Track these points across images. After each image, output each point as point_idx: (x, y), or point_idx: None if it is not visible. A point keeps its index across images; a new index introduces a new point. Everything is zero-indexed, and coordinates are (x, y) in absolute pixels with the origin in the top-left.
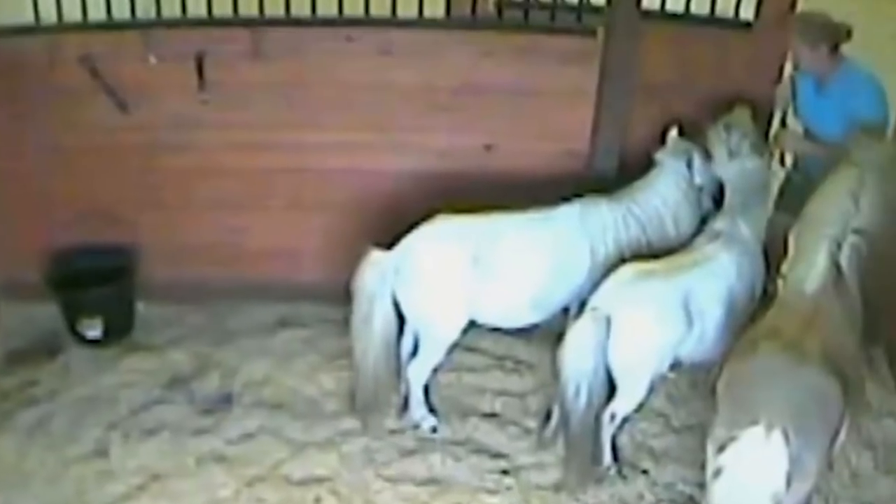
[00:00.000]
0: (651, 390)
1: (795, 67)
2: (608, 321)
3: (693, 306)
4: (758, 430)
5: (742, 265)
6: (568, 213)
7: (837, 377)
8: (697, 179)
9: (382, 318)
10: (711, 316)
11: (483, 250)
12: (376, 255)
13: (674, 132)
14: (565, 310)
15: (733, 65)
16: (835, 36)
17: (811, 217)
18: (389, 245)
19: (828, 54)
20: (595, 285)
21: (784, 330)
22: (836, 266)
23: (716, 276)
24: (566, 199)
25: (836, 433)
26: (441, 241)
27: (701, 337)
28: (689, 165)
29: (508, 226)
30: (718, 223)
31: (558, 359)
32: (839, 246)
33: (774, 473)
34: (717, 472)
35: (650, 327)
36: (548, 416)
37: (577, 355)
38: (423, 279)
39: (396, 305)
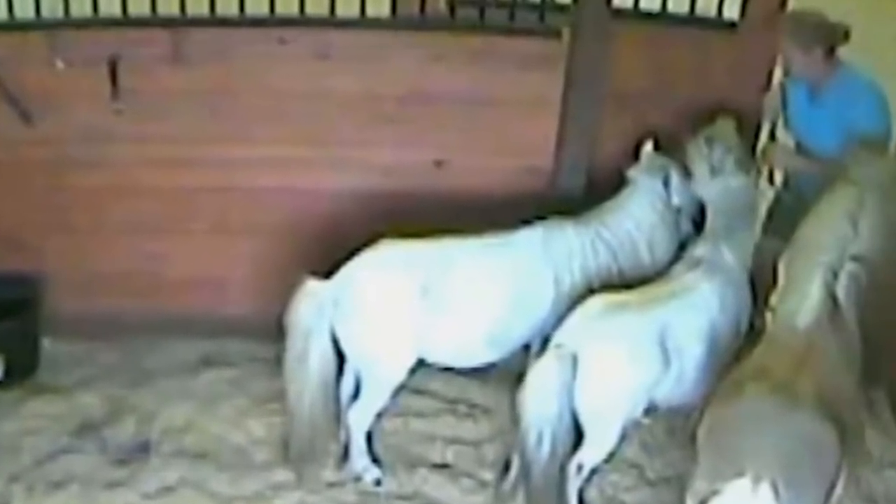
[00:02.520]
0: (623, 438)
1: (786, 73)
2: (574, 360)
3: (670, 343)
4: (744, 483)
5: (726, 296)
6: (529, 238)
7: (833, 423)
8: (675, 200)
9: (320, 357)
10: (691, 354)
11: (433, 280)
12: (312, 286)
13: (648, 146)
14: (526, 347)
15: (716, 70)
16: (830, 38)
17: (804, 242)
18: (327, 274)
19: (823, 58)
20: (560, 319)
21: (773, 370)
22: (832, 297)
23: (696, 308)
24: (527, 221)
25: (833, 486)
26: (386, 269)
27: (679, 378)
28: (666, 184)
29: (462, 252)
30: (699, 249)
31: (518, 402)
32: (835, 275)
33: None
34: None
35: (622, 367)
36: (506, 467)
37: (540, 398)
38: (365, 312)
39: (335, 342)
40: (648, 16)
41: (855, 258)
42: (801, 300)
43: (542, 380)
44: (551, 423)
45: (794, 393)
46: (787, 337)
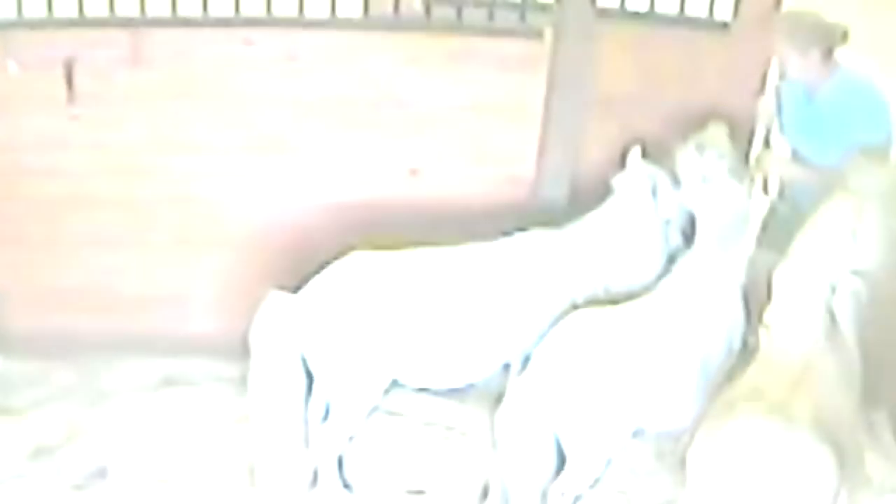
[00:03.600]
0: (608, 462)
1: (782, 76)
2: (557, 380)
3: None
4: None
5: (716, 313)
6: (508, 250)
7: (831, 446)
8: (664, 210)
9: (287, 377)
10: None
11: (404, 295)
12: (279, 300)
13: (635, 154)
14: (506, 366)
15: (706, 73)
16: (828, 39)
17: (801, 255)
18: (296, 289)
19: (820, 60)
20: (541, 337)
21: (768, 390)
22: (830, 314)
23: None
24: (507, 233)
25: None
26: (354, 284)
27: (670, 397)
28: (654, 193)
29: (438, 266)
30: (688, 262)
31: (498, 425)
32: (834, 290)
33: None
34: None
35: (607, 388)
36: (485, 493)
37: (521, 421)
38: (332, 330)
39: (304, 361)
40: (635, 15)
41: (855, 272)
42: (798, 317)
43: (524, 401)
44: (532, 447)
45: (789, 415)
46: (782, 355)
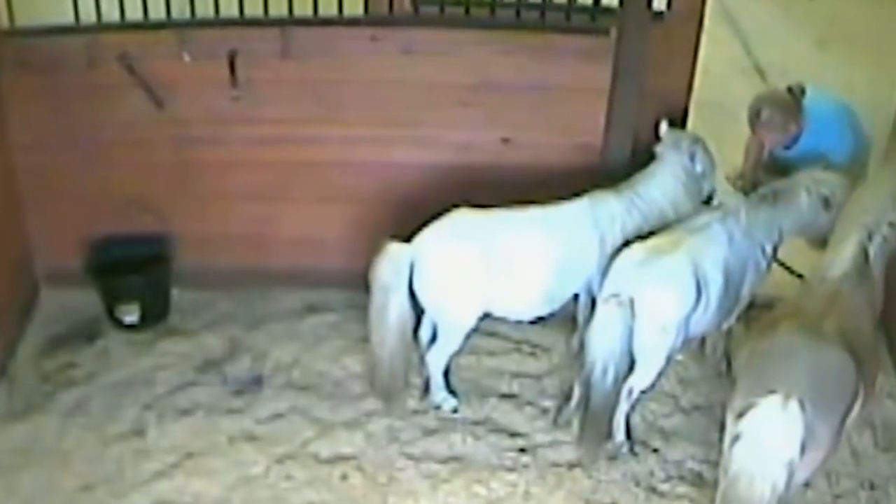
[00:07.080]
0: (661, 374)
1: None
2: (632, 304)
3: (700, 273)
4: (776, 398)
5: (734, 237)
6: (578, 207)
7: (852, 356)
8: (698, 168)
9: (397, 310)
10: (714, 282)
11: (496, 245)
12: (393, 249)
13: (664, 125)
14: (575, 296)
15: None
16: (797, 108)
17: (851, 209)
18: (411, 234)
19: (795, 126)
20: (603, 273)
21: (804, 311)
22: (864, 253)
23: (712, 242)
24: (576, 194)
25: (849, 408)
26: (455, 236)
27: (706, 306)
28: (692, 159)
29: (521, 220)
30: (717, 201)
31: (586, 342)
32: (870, 235)
33: (790, 439)
34: (736, 438)
35: (674, 305)
36: (566, 398)
37: (606, 339)
38: (436, 273)
39: (414, 295)
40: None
41: (891, 224)
42: (837, 253)
43: (608, 324)
44: (615, 358)
45: (820, 330)
46: (819, 283)
